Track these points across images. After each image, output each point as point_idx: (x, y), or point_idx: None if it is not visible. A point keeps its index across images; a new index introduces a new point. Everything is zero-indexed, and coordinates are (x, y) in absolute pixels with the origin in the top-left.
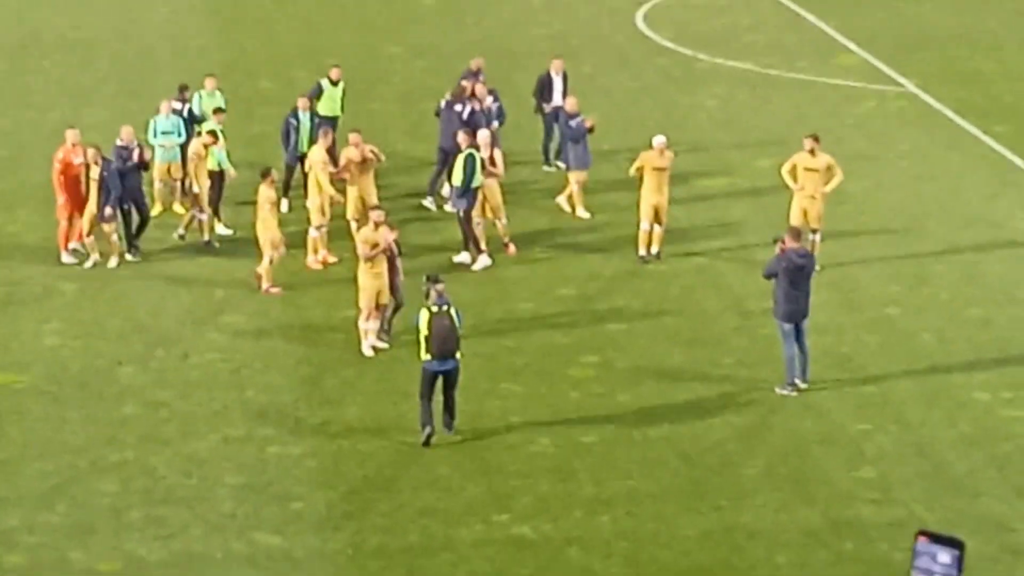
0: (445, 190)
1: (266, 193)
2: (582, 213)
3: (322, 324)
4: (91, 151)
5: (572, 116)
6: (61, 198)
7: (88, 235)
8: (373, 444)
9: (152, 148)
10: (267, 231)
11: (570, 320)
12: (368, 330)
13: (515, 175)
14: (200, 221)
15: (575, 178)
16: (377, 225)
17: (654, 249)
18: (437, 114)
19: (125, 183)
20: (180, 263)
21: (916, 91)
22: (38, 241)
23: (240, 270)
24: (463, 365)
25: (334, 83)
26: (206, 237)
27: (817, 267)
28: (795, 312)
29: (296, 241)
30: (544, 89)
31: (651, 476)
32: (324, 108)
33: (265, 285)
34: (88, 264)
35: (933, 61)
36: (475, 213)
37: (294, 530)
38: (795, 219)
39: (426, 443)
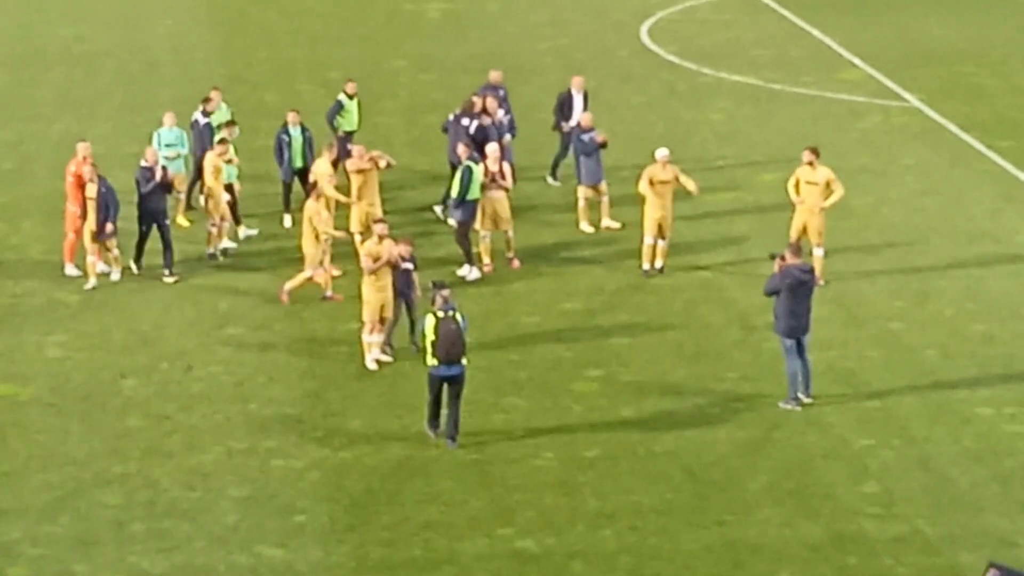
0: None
1: (313, 207)
2: (585, 227)
3: (326, 337)
4: (87, 168)
5: (586, 131)
6: (73, 208)
7: (90, 254)
8: (376, 457)
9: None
10: (312, 246)
11: (574, 334)
12: (372, 343)
13: (520, 189)
14: (210, 232)
15: (583, 193)
16: (381, 238)
17: (658, 263)
18: (445, 129)
19: (148, 204)
20: (184, 276)
21: (920, 106)
22: (42, 253)
23: (244, 283)
24: (468, 374)
25: (351, 97)
26: (211, 250)
27: (821, 282)
28: (796, 327)
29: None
30: (564, 106)
31: (654, 490)
32: (346, 123)
33: (284, 297)
34: (88, 286)
35: (938, 76)
36: (478, 225)
37: (297, 543)
38: (795, 233)
39: (433, 428)
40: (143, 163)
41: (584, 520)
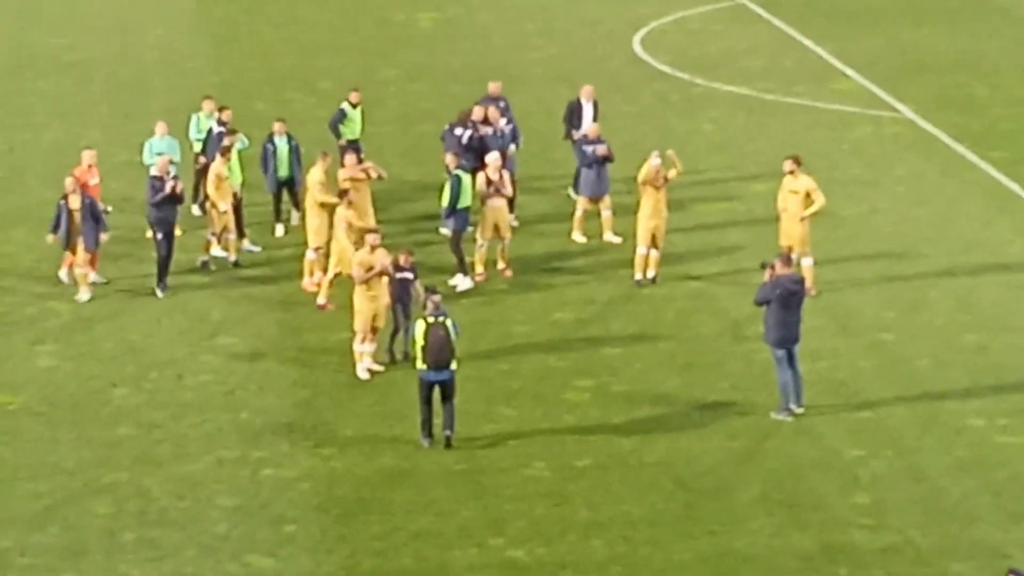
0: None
1: (342, 213)
2: (578, 237)
3: (317, 346)
4: (69, 180)
5: (592, 141)
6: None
7: (80, 266)
8: (367, 467)
9: (147, 169)
10: (340, 251)
11: (566, 344)
12: (363, 353)
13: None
14: (208, 240)
15: (582, 204)
16: (373, 248)
17: (650, 273)
18: (442, 138)
19: (159, 213)
20: (175, 285)
21: (913, 117)
22: (33, 262)
23: (235, 292)
24: (459, 383)
25: (354, 106)
26: (204, 257)
27: (813, 292)
28: (787, 337)
29: (292, 264)
30: (573, 116)
31: (645, 500)
32: (348, 132)
33: (321, 301)
34: (84, 298)
35: (930, 87)
36: (478, 234)
37: (288, 553)
38: (782, 241)
39: (427, 437)
40: (153, 173)
41: (575, 530)
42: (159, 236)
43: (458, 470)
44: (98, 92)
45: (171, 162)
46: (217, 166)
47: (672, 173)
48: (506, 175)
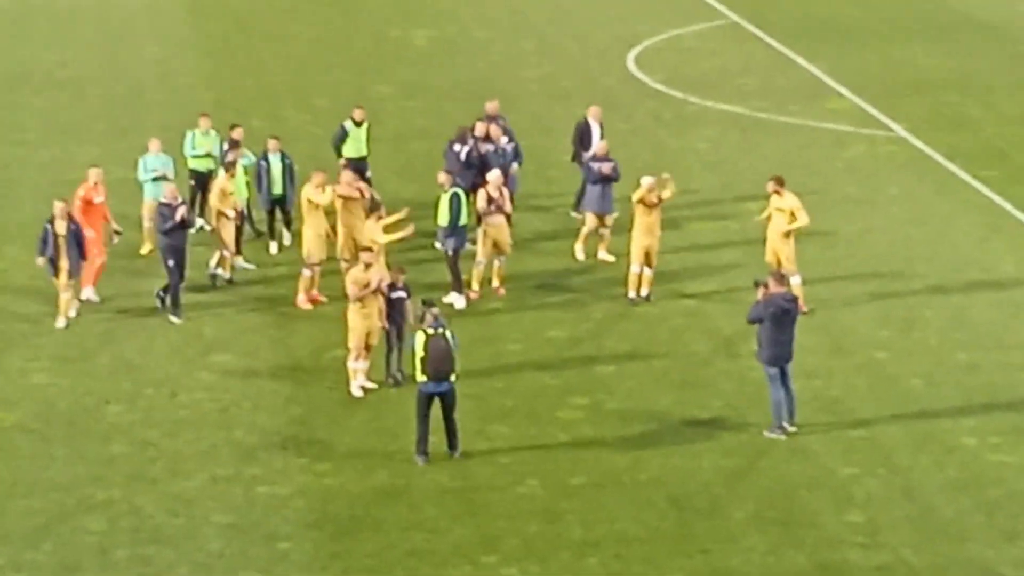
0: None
1: (373, 228)
2: (579, 254)
3: (311, 364)
4: (59, 205)
5: (599, 159)
6: (90, 233)
7: (63, 291)
8: (361, 484)
9: (141, 186)
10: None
11: (559, 362)
12: (357, 370)
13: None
14: (223, 257)
15: (590, 221)
16: (367, 265)
17: (644, 291)
18: (445, 155)
19: (169, 240)
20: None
21: (906, 135)
22: (27, 279)
23: (229, 309)
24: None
25: (358, 124)
26: (228, 275)
27: (805, 309)
28: (780, 356)
29: (286, 282)
30: (583, 136)
31: (639, 519)
32: (350, 150)
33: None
34: (60, 324)
35: (923, 106)
36: (479, 252)
37: (281, 570)
38: (768, 258)
39: (422, 455)
40: (163, 199)
41: (569, 548)
42: (170, 263)
43: (452, 488)
44: (92, 108)
45: (165, 178)
46: (221, 181)
47: (666, 194)
48: (506, 192)
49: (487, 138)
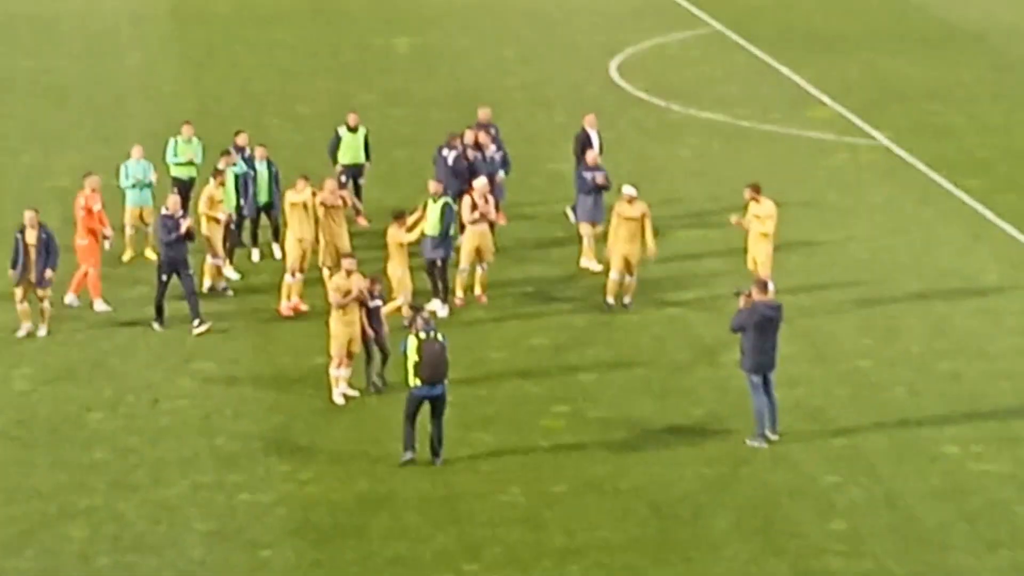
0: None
1: (396, 235)
2: (591, 264)
3: (293, 371)
4: (29, 214)
5: (590, 169)
6: (82, 241)
7: (22, 302)
8: (343, 492)
9: (123, 192)
10: (398, 273)
11: (542, 370)
12: (339, 378)
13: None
14: (217, 267)
15: (584, 231)
16: (349, 273)
17: (626, 300)
18: (434, 161)
19: (170, 253)
20: (151, 309)
21: (889, 144)
22: (7, 285)
23: (210, 317)
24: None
25: (352, 129)
26: (223, 284)
27: None
28: (763, 364)
29: (268, 289)
30: (584, 145)
31: (621, 527)
32: (345, 156)
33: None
34: (21, 333)
35: (906, 115)
36: (462, 259)
37: None
38: (750, 265)
39: (406, 463)
40: (164, 211)
41: (550, 556)
42: (163, 277)
43: (434, 496)
44: (75, 116)
45: (149, 184)
46: (210, 189)
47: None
48: (491, 199)
49: (476, 145)
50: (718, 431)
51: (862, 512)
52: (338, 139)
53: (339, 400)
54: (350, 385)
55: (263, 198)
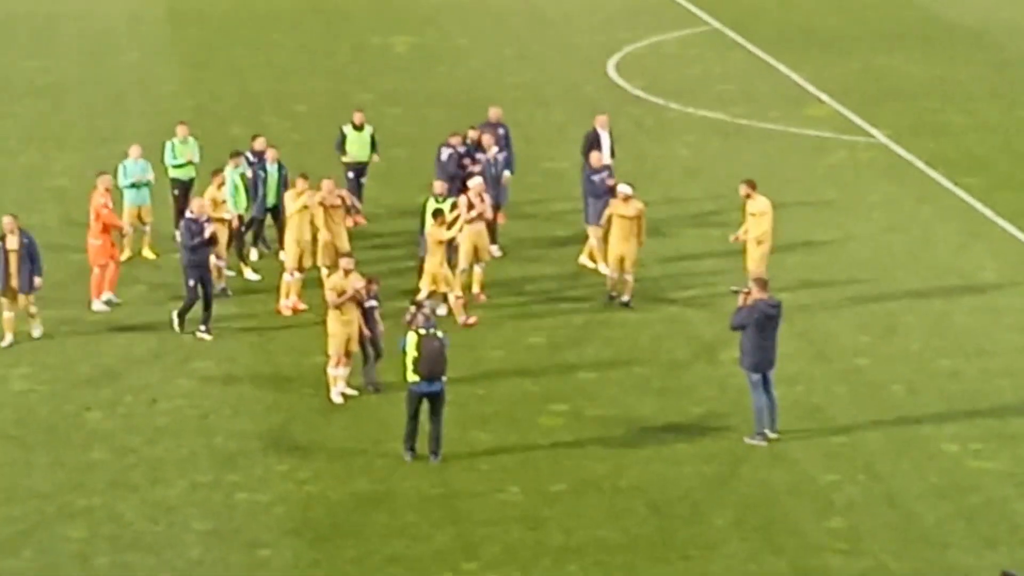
0: None
1: (436, 232)
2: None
3: (291, 371)
4: (7, 219)
5: (596, 171)
6: (95, 242)
7: (9, 310)
8: (341, 491)
9: (121, 192)
10: (437, 269)
11: (540, 368)
12: (337, 377)
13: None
14: (219, 268)
15: (594, 233)
16: (347, 272)
17: (625, 298)
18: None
19: (194, 257)
20: (149, 309)
21: (887, 142)
22: None
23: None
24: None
25: (358, 128)
26: (222, 284)
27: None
28: (763, 362)
29: (267, 288)
30: (592, 145)
31: (620, 525)
32: (352, 154)
33: (462, 319)
34: (4, 343)
35: (904, 113)
36: (460, 259)
37: None
38: (749, 263)
39: (410, 451)
40: (189, 214)
41: (549, 555)
42: (191, 282)
43: (432, 494)
44: (73, 116)
45: (146, 184)
46: (212, 191)
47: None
48: (487, 199)
49: (478, 146)
50: (717, 429)
51: (861, 510)
52: (343, 137)
53: (337, 399)
54: (348, 384)
55: (271, 200)
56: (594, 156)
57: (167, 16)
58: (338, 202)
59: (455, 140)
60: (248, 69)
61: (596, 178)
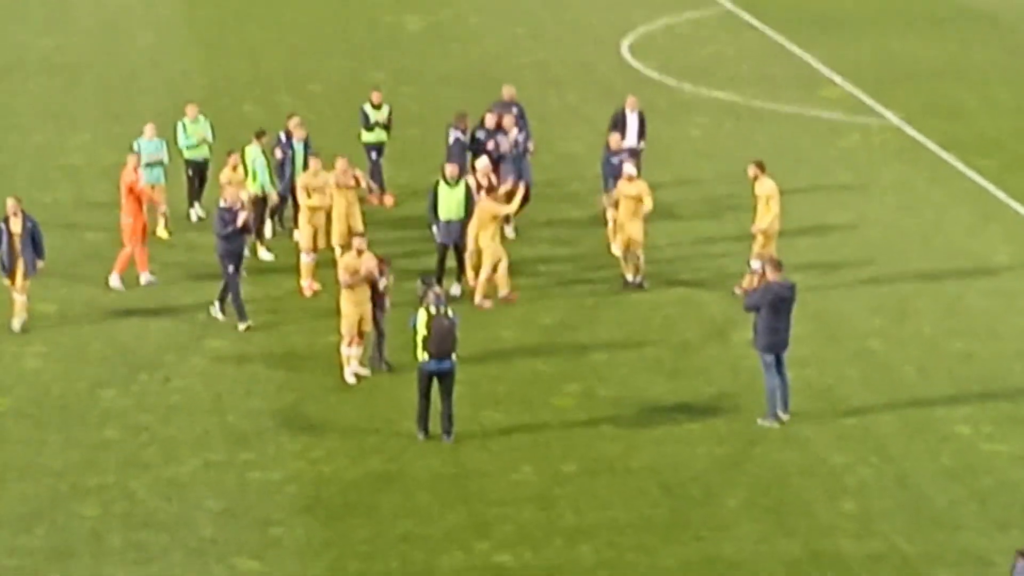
0: None
1: (490, 207)
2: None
3: (304, 350)
4: (11, 202)
5: (614, 153)
6: (127, 219)
7: (19, 293)
8: (354, 470)
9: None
10: (489, 243)
11: (552, 349)
12: (350, 356)
13: None
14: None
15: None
16: (360, 252)
17: (638, 278)
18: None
19: (228, 245)
20: (163, 288)
21: (900, 124)
22: None
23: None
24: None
25: (376, 107)
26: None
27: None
28: (776, 343)
29: (280, 267)
30: (618, 126)
31: (632, 506)
32: (370, 135)
33: (503, 292)
34: (15, 326)
35: (918, 95)
36: (472, 241)
37: (274, 556)
38: (755, 245)
39: (423, 431)
40: (222, 203)
41: (562, 535)
42: (230, 269)
43: (445, 474)
44: (87, 94)
45: (160, 163)
46: (227, 172)
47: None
48: (494, 180)
49: (499, 128)
50: (729, 410)
51: (873, 492)
52: (367, 117)
53: (350, 379)
54: (361, 364)
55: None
56: (614, 138)
57: None
58: (351, 182)
59: (463, 123)
60: (262, 48)
61: (615, 160)
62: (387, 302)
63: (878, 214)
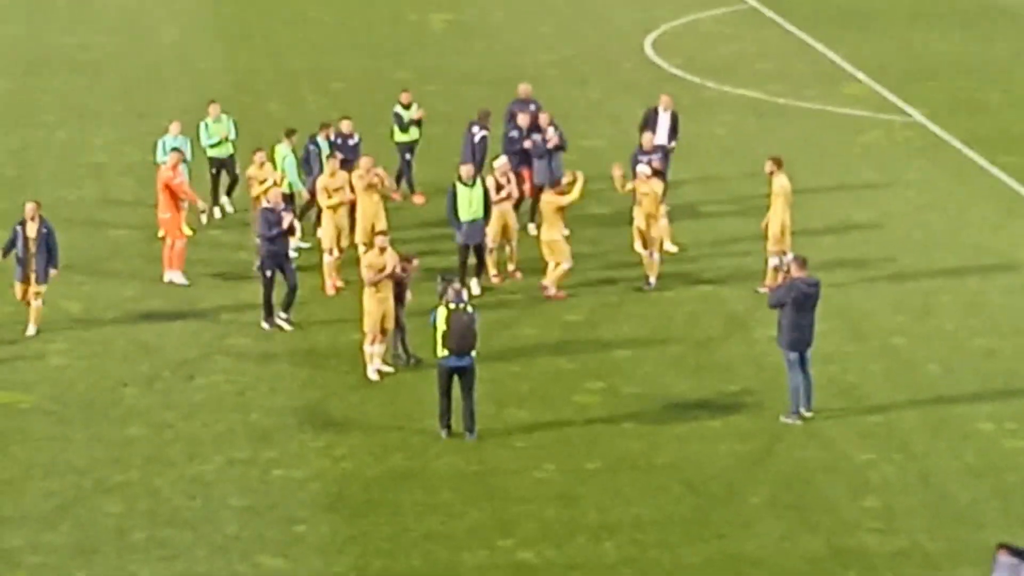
0: None
1: (553, 200)
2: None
3: (327, 348)
4: (29, 206)
5: (646, 152)
6: (164, 215)
7: (24, 299)
8: (377, 468)
9: (158, 167)
10: (555, 238)
11: (575, 346)
12: (373, 354)
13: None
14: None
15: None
16: (382, 250)
17: (651, 280)
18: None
19: (272, 247)
20: (190, 283)
21: (924, 121)
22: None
23: (246, 293)
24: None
25: (406, 107)
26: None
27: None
28: (800, 340)
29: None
30: (649, 124)
31: (655, 503)
32: (404, 135)
33: (552, 291)
34: (31, 332)
35: (941, 91)
36: (489, 239)
37: (297, 553)
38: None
39: (445, 428)
40: (266, 204)
41: (585, 532)
42: (267, 273)
43: (468, 472)
44: (111, 91)
45: (184, 161)
46: (253, 170)
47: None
48: (513, 179)
49: (534, 127)
50: (752, 408)
51: (896, 489)
52: (401, 120)
53: (373, 376)
54: (384, 361)
55: None
56: (646, 137)
57: None
58: (375, 181)
59: (486, 120)
60: (286, 46)
61: (644, 159)
62: (408, 295)
63: (902, 211)
